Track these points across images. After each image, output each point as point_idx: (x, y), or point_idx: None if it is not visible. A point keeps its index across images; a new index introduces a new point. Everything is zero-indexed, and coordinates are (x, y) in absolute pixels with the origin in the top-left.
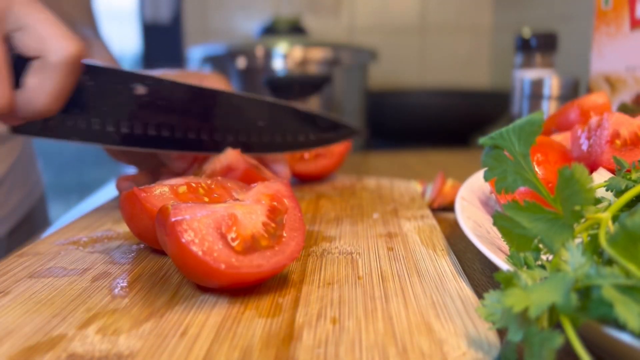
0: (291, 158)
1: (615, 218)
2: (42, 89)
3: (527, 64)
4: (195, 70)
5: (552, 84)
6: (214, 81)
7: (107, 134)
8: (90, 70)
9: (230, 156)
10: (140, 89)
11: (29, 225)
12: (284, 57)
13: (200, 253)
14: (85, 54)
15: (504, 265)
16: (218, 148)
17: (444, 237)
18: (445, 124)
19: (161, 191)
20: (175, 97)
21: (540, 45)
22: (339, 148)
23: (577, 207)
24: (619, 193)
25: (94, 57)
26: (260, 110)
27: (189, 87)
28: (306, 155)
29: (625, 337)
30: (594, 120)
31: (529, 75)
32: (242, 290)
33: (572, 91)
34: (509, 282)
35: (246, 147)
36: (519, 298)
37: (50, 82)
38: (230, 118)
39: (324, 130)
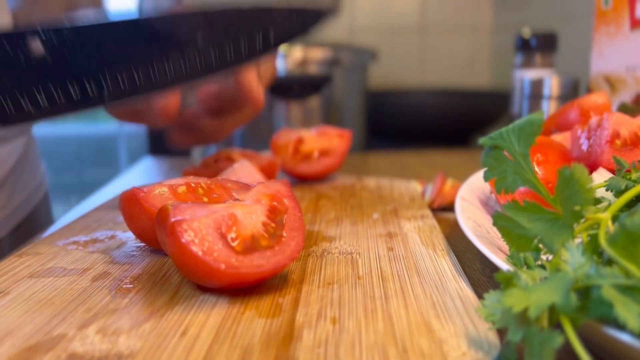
0: (292, 159)
1: (615, 218)
2: None
3: (527, 64)
4: None
5: (552, 84)
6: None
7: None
8: None
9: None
10: (37, 47)
11: (32, 224)
12: (283, 57)
13: (200, 253)
14: None
15: (504, 265)
16: (159, 88)
17: (444, 237)
18: (445, 124)
19: (160, 191)
20: (83, 45)
21: (540, 45)
22: (340, 147)
23: (577, 207)
24: (618, 193)
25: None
26: (196, 26)
27: (93, 27)
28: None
29: (625, 337)
30: (593, 120)
31: (529, 75)
32: (242, 290)
33: (572, 91)
34: (509, 282)
35: (193, 75)
36: (518, 298)
37: None
38: (156, 48)
39: (285, 22)
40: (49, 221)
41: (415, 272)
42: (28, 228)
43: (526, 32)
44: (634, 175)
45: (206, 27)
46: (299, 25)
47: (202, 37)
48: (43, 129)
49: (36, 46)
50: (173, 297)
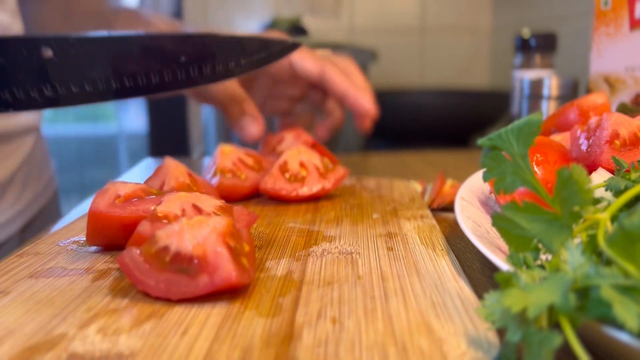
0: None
1: (614, 218)
2: None
3: (527, 64)
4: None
5: (551, 84)
6: (346, 64)
7: (22, 100)
8: None
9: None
10: (47, 52)
11: (42, 221)
12: None
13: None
14: None
15: (503, 265)
16: (143, 92)
17: (443, 237)
18: (445, 124)
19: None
20: (85, 52)
21: (539, 46)
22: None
23: (576, 208)
24: (618, 193)
25: (139, 19)
26: (179, 46)
27: (95, 39)
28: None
29: (624, 337)
30: (593, 120)
31: (529, 75)
32: (242, 290)
33: (571, 91)
34: (508, 282)
35: (173, 84)
36: (517, 298)
37: None
38: (148, 60)
39: (254, 52)
40: (59, 218)
41: (415, 272)
42: (38, 226)
43: (526, 33)
44: (633, 176)
45: (188, 48)
46: (267, 53)
47: (185, 55)
48: (44, 129)
49: (46, 51)
50: None
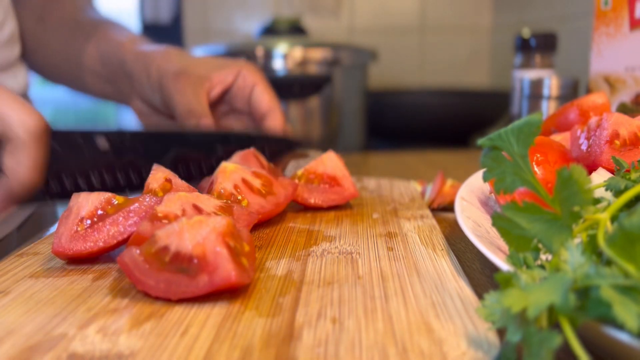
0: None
1: (614, 218)
2: (20, 167)
3: (527, 64)
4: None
5: (551, 84)
6: (250, 71)
7: (80, 189)
8: (54, 135)
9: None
10: (103, 143)
11: (38, 219)
12: (284, 57)
13: None
14: (46, 124)
15: (503, 265)
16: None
17: (443, 237)
18: (445, 124)
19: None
20: (135, 145)
21: (539, 46)
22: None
23: (576, 208)
24: (618, 193)
25: (116, 36)
26: (215, 142)
27: (146, 134)
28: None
29: (623, 337)
30: (593, 120)
31: (529, 75)
32: (242, 290)
33: (571, 91)
34: (508, 282)
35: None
36: (517, 298)
37: (25, 158)
38: (190, 153)
39: (275, 144)
40: (54, 215)
41: (415, 272)
42: (35, 223)
43: (526, 32)
44: (633, 176)
45: (223, 141)
46: (285, 147)
47: (221, 148)
48: None
49: (102, 142)
50: None
